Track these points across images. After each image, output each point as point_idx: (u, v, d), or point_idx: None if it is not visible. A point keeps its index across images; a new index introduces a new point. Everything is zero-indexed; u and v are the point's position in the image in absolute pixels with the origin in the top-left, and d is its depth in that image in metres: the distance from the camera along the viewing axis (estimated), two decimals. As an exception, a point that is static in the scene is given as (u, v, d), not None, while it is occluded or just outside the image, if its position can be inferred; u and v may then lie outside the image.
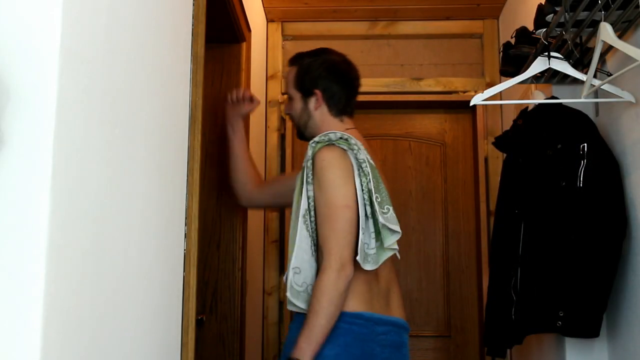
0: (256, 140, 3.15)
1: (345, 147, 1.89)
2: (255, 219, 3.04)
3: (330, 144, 1.90)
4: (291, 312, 1.98)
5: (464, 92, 3.51)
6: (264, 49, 3.52)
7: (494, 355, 2.41)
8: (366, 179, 1.84)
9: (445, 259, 3.52)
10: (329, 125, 2.04)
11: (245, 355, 2.68)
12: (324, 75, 2.07)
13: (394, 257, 1.97)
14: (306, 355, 1.75)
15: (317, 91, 2.06)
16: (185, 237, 1.67)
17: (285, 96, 3.49)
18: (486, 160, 3.43)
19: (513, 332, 2.25)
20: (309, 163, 1.90)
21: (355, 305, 1.83)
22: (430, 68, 3.61)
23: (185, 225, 1.68)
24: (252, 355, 2.93)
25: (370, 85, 3.54)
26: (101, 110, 1.13)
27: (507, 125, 2.83)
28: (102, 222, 1.13)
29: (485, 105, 3.37)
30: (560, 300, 2.09)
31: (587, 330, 2.09)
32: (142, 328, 1.36)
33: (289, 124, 3.50)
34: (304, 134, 2.14)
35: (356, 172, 1.85)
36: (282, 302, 3.37)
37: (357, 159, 1.87)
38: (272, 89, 3.54)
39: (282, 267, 3.40)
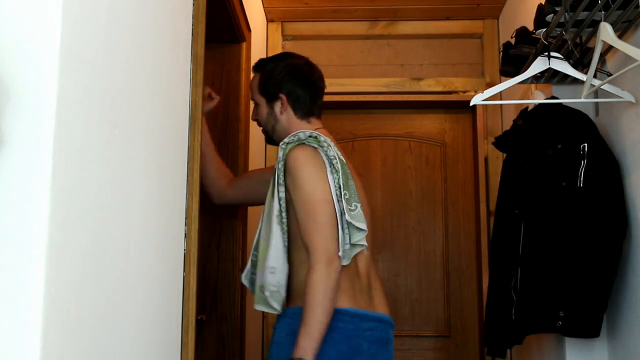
0: (256, 140, 3.15)
1: (315, 145, 1.90)
2: (255, 219, 3.04)
3: (300, 143, 1.91)
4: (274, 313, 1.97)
5: (464, 92, 3.51)
6: (264, 49, 3.52)
7: (494, 355, 2.41)
8: (337, 175, 1.86)
9: (445, 259, 3.52)
10: (297, 127, 2.05)
11: (245, 355, 2.68)
12: (287, 79, 2.08)
13: (373, 252, 2.00)
14: (309, 354, 1.74)
15: (282, 95, 2.08)
16: (185, 237, 1.67)
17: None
18: (486, 160, 3.43)
19: (513, 332, 2.25)
20: (281, 164, 1.91)
21: (339, 301, 1.84)
22: (430, 68, 3.61)
23: (185, 225, 1.68)
24: (252, 355, 2.93)
25: (370, 85, 3.55)
26: (101, 110, 1.13)
27: (507, 125, 2.83)
28: (102, 222, 1.13)
29: (485, 105, 3.37)
30: (560, 300, 2.09)
31: (587, 330, 2.09)
32: (142, 328, 1.36)
33: (289, 124, 3.50)
34: (272, 138, 2.16)
35: (328, 169, 1.87)
36: (282, 302, 3.36)
37: (327, 155, 1.89)
38: (272, 89, 3.54)
39: (282, 267, 3.39)
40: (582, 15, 2.05)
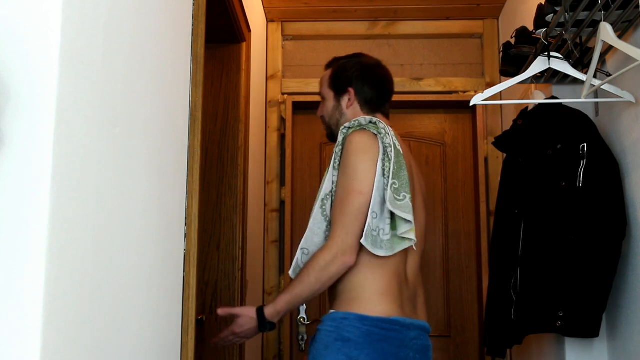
0: (256, 140, 3.15)
1: (374, 132, 1.89)
2: (255, 219, 3.04)
3: (361, 128, 1.91)
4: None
5: (464, 92, 3.51)
6: (264, 49, 3.52)
7: (493, 355, 2.41)
8: (389, 163, 1.84)
9: (445, 259, 3.52)
10: None
11: (245, 355, 2.68)
12: (357, 75, 2.08)
13: (421, 262, 1.98)
14: (279, 315, 1.88)
15: (350, 89, 2.07)
16: (185, 237, 1.67)
17: (285, 96, 3.53)
18: (486, 160, 3.43)
19: (513, 332, 2.25)
20: (339, 149, 1.91)
21: (390, 310, 1.82)
22: (430, 68, 3.61)
23: (185, 225, 1.68)
24: (252, 355, 2.93)
25: (370, 85, 3.54)
26: (101, 110, 1.13)
27: (507, 125, 2.83)
28: (102, 222, 1.13)
29: (485, 105, 3.37)
30: (560, 300, 2.09)
31: (587, 330, 2.09)
32: (142, 328, 1.36)
33: (289, 124, 3.50)
34: (334, 134, 2.11)
35: (381, 157, 1.86)
36: (282, 302, 3.36)
37: (383, 142, 1.87)
38: (272, 89, 3.55)
39: (282, 267, 3.40)
40: (582, 15, 2.05)
